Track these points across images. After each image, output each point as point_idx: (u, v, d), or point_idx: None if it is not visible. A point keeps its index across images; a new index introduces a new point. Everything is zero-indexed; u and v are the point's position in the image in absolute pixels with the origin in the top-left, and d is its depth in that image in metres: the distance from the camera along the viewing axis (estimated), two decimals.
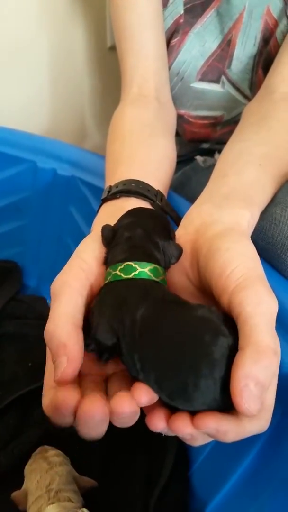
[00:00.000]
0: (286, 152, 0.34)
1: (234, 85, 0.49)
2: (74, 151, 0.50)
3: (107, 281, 0.24)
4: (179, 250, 0.26)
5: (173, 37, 0.46)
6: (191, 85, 0.49)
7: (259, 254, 0.25)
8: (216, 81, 0.49)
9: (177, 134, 0.52)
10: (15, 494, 0.32)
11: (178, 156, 0.44)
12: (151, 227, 0.25)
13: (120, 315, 0.22)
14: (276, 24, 0.44)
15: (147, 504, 0.32)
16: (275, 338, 0.20)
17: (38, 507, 0.29)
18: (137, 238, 0.24)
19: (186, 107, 0.51)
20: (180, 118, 0.51)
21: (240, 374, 0.19)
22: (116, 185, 0.33)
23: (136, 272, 0.23)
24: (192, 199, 0.32)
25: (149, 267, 0.23)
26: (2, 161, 0.52)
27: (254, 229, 0.30)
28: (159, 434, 0.36)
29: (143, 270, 0.23)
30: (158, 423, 0.20)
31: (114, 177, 0.34)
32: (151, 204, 0.33)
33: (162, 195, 0.34)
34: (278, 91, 0.39)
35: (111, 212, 0.31)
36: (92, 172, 0.47)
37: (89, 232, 0.30)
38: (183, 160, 0.56)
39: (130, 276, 0.23)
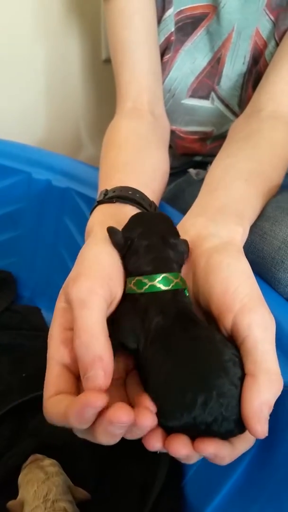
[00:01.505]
0: (271, 168, 0.35)
1: (223, 102, 0.50)
2: (69, 163, 0.51)
3: (126, 292, 0.25)
4: (187, 245, 0.27)
5: (165, 53, 0.47)
6: (182, 101, 0.50)
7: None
8: (206, 97, 0.50)
9: (170, 146, 0.53)
10: (11, 504, 0.32)
11: (171, 168, 0.45)
12: (164, 231, 0.26)
13: (141, 324, 0.23)
14: (265, 45, 0.45)
15: None
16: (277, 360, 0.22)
17: None
18: (155, 246, 0.25)
19: (177, 123, 0.52)
20: (171, 133, 0.52)
21: (257, 401, 0.20)
22: (113, 190, 0.33)
23: (147, 287, 0.24)
24: (184, 211, 0.33)
25: (158, 279, 0.24)
26: None
27: (245, 243, 0.31)
28: None
29: (152, 283, 0.24)
30: (155, 444, 0.21)
31: (110, 182, 0.34)
32: None
33: (155, 205, 0.35)
34: (265, 109, 0.40)
35: (109, 215, 0.31)
36: (86, 183, 0.47)
37: (83, 243, 0.30)
38: (176, 172, 0.57)
39: (142, 291, 0.24)
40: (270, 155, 0.36)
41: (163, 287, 0.24)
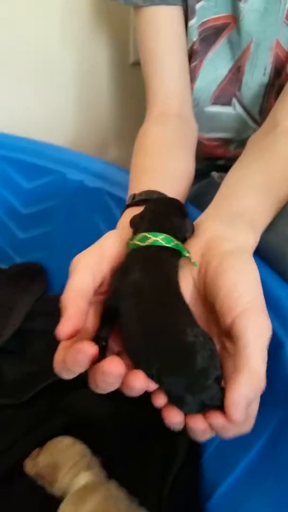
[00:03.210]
0: (283, 181, 0.37)
1: (244, 108, 0.52)
2: (101, 164, 0.54)
3: (127, 251, 0.29)
4: (192, 226, 0.31)
5: (190, 61, 0.49)
6: (205, 109, 0.53)
7: (271, 267, 0.29)
8: (228, 103, 0.52)
9: None
10: (41, 469, 0.34)
11: (195, 170, 0.48)
12: (168, 210, 0.31)
13: (121, 278, 0.27)
14: (287, 56, 0.46)
15: (162, 488, 0.36)
16: (265, 363, 0.24)
17: (76, 471, 0.33)
18: (157, 219, 0.30)
19: (200, 130, 0.53)
20: None
21: (237, 392, 0.23)
22: (140, 194, 0.36)
23: (151, 241, 0.28)
24: None
25: (161, 236, 0.28)
26: (34, 172, 0.56)
27: (269, 245, 0.33)
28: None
29: (156, 238, 0.28)
30: (174, 418, 0.24)
31: (138, 186, 0.38)
32: None
33: None
34: (281, 124, 0.41)
35: None
36: (117, 184, 0.50)
37: None
38: (200, 174, 0.60)
39: (146, 243, 0.28)
40: (283, 169, 0.37)
41: (140, 244, 0.28)
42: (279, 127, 0.41)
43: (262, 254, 0.34)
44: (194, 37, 0.47)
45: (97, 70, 0.69)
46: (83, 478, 0.33)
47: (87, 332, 0.27)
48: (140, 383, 0.24)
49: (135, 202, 0.36)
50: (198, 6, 0.46)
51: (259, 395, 0.24)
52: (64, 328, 0.25)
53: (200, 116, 0.53)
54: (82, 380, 0.41)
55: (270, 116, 0.44)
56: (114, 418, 0.38)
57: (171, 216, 0.30)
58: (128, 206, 0.37)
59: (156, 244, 0.28)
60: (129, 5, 0.46)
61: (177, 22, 0.46)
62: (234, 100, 0.52)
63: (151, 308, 0.25)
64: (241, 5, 0.45)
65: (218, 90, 0.51)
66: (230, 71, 0.50)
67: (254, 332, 0.24)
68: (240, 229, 0.31)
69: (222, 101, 0.52)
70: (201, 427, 0.24)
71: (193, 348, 0.23)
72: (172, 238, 0.29)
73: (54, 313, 0.52)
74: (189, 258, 0.29)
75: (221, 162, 0.60)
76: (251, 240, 0.31)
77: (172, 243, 0.28)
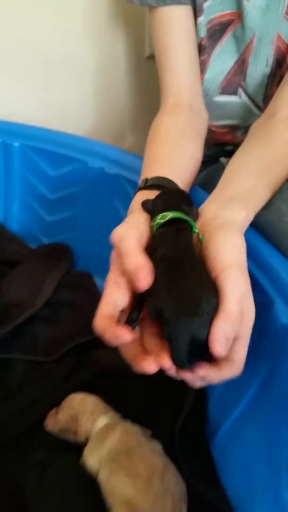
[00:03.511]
0: (281, 165, 0.41)
1: (249, 97, 0.56)
2: (119, 153, 0.59)
3: (153, 233, 0.34)
4: (197, 212, 0.36)
5: (200, 55, 0.53)
6: (214, 99, 0.57)
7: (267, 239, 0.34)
8: (234, 93, 0.56)
9: None
10: (64, 423, 0.39)
11: (204, 156, 0.52)
12: (178, 199, 0.36)
13: (153, 255, 0.32)
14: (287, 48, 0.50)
15: (172, 428, 0.42)
16: (242, 308, 0.29)
17: (95, 416, 0.39)
18: (169, 207, 0.35)
19: (210, 118, 0.58)
20: None
21: (216, 329, 0.28)
22: (152, 179, 0.41)
23: (170, 216, 0.34)
24: None
25: (179, 212, 0.34)
26: (58, 160, 0.62)
27: (264, 221, 0.38)
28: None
29: (174, 214, 0.34)
30: (171, 370, 0.29)
31: (150, 171, 0.43)
32: None
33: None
34: (280, 112, 0.45)
35: (147, 198, 0.39)
36: (134, 171, 0.54)
37: None
38: (209, 160, 0.64)
39: (166, 219, 0.34)
40: (281, 154, 0.41)
41: (161, 221, 0.33)
42: (277, 115, 0.45)
43: (260, 228, 0.39)
44: (202, 33, 0.52)
45: (114, 64, 0.74)
46: (102, 421, 0.39)
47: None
48: (167, 365, 0.28)
49: (147, 186, 0.41)
50: (205, 5, 0.50)
51: (238, 338, 0.29)
52: (150, 278, 0.29)
53: (209, 105, 0.57)
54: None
55: (271, 104, 0.47)
56: (134, 374, 0.44)
57: (181, 204, 0.35)
58: (141, 188, 0.41)
59: (175, 216, 0.33)
60: (144, 6, 0.51)
61: (187, 20, 0.50)
62: (240, 90, 0.56)
63: (175, 273, 0.29)
64: (245, 2, 0.49)
65: (225, 81, 0.55)
66: (235, 63, 0.54)
67: (232, 284, 0.29)
68: (233, 209, 0.36)
69: (229, 91, 0.56)
70: (189, 377, 0.29)
71: (194, 313, 0.27)
72: (166, 214, 0.34)
73: (78, 286, 0.59)
74: (198, 234, 0.34)
75: (229, 147, 0.64)
76: (243, 216, 0.35)
77: (167, 218, 0.34)
